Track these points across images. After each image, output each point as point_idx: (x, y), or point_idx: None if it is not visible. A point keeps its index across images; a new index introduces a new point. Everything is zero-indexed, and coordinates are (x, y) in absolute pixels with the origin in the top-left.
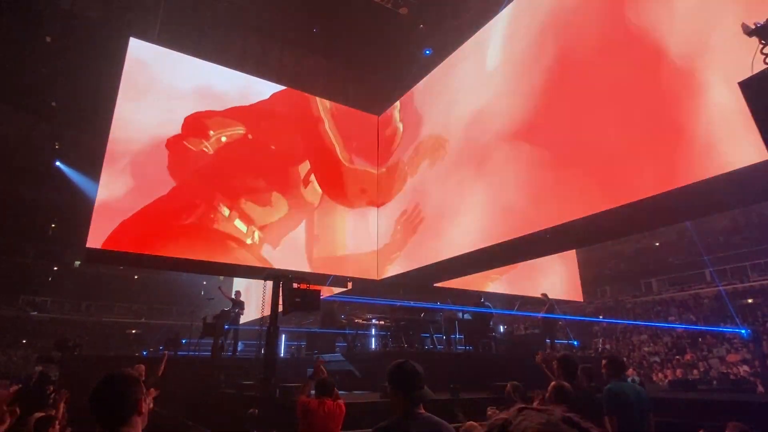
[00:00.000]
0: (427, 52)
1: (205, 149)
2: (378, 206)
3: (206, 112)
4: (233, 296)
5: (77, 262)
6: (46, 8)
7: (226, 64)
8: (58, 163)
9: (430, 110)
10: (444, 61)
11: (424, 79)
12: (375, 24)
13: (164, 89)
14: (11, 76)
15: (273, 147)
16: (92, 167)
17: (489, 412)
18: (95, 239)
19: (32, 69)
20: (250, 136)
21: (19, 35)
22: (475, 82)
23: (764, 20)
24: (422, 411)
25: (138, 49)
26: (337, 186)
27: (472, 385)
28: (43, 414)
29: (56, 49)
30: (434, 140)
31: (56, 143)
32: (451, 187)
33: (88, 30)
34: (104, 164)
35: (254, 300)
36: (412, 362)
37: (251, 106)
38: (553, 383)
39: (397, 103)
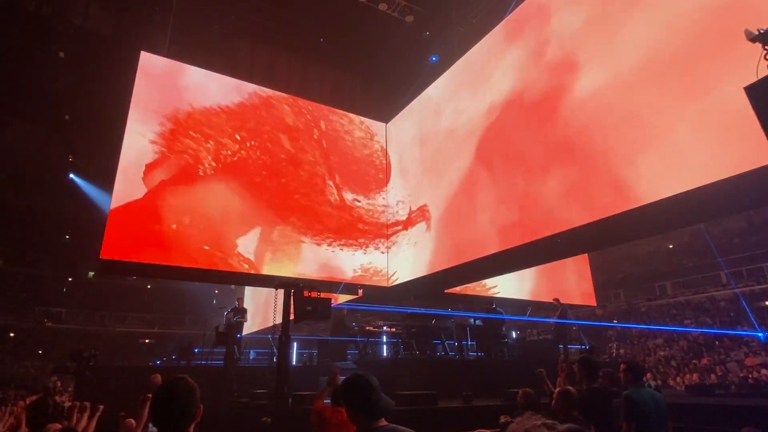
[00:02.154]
0: (434, 58)
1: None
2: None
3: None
4: (236, 303)
5: (91, 273)
6: (59, 24)
7: (234, 75)
8: (71, 176)
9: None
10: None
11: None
12: (381, 32)
13: (175, 101)
14: (26, 91)
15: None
16: (105, 179)
17: (502, 420)
18: (109, 250)
19: (46, 83)
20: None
21: (33, 50)
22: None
23: None
24: (383, 424)
25: (149, 63)
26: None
27: (484, 391)
28: (60, 426)
29: (69, 63)
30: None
31: (70, 156)
32: (462, 192)
33: (100, 44)
34: (117, 176)
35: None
36: (365, 374)
37: (261, 130)
38: (557, 389)
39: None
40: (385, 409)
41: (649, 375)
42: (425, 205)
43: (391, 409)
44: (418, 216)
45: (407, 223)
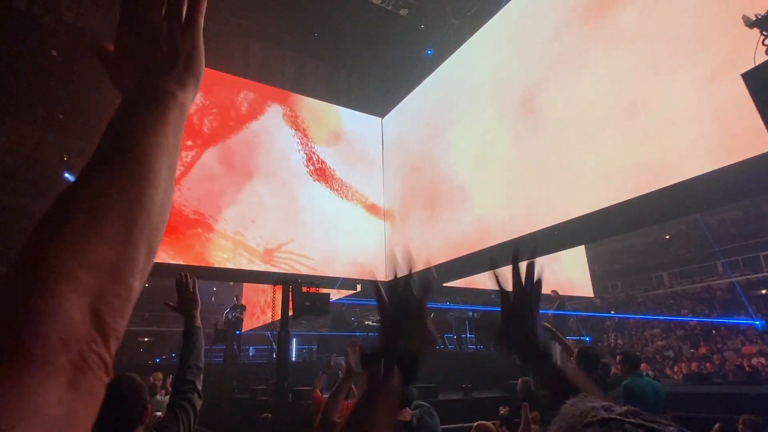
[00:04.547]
0: (429, 52)
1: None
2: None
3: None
4: (234, 300)
5: None
6: (51, 22)
7: (229, 71)
8: (66, 175)
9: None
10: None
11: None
12: (375, 26)
13: None
14: (19, 91)
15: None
16: None
17: (501, 411)
18: None
19: (39, 83)
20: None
21: (26, 50)
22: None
23: (765, 12)
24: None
25: None
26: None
27: (484, 384)
28: None
29: (62, 62)
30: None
31: (64, 155)
32: (460, 184)
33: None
34: None
35: None
36: None
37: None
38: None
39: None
40: (410, 397)
41: (645, 365)
42: (422, 200)
43: (413, 398)
44: (414, 210)
45: (404, 217)
